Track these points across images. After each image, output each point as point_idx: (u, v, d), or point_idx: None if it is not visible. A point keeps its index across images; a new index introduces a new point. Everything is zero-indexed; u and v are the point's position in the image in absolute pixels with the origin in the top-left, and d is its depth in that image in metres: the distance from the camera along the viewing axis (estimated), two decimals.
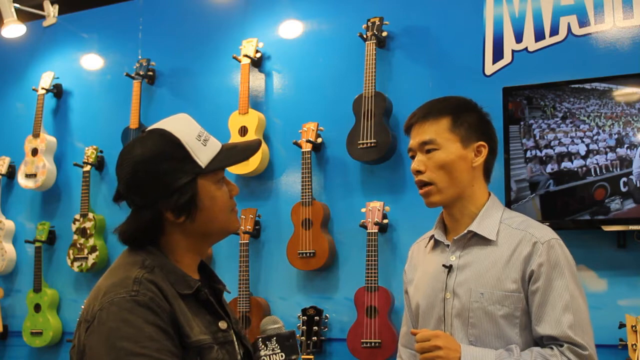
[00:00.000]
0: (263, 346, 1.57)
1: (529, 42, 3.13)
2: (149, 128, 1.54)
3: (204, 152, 1.50)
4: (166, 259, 1.50)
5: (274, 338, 1.58)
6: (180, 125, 1.51)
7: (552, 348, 1.74)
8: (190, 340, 1.43)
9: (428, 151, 1.87)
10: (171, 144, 1.48)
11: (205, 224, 1.52)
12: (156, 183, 1.46)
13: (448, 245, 1.91)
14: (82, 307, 1.49)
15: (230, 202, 1.57)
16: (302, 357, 3.15)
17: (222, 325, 1.52)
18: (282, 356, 1.57)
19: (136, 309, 1.37)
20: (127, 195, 1.50)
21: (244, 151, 1.60)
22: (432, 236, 1.98)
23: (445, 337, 1.78)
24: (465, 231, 1.87)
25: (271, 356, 1.57)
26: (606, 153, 2.79)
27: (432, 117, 1.89)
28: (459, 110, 1.91)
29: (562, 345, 1.73)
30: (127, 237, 1.51)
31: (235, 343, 1.56)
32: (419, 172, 1.88)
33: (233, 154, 1.57)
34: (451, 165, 1.85)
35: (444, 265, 1.88)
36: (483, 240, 1.86)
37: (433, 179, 1.86)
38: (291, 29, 3.74)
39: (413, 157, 1.92)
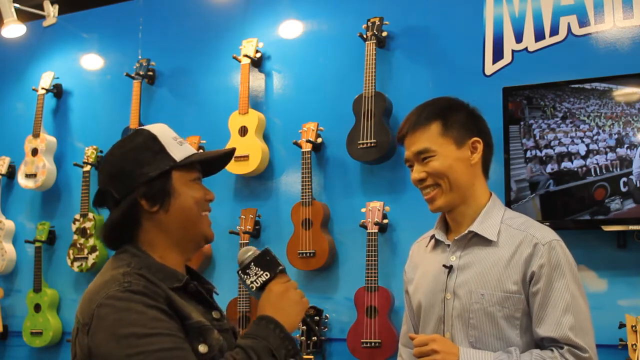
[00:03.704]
0: (245, 276, 1.56)
1: (529, 42, 3.13)
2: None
3: (178, 150, 1.57)
4: (151, 258, 1.52)
5: (252, 263, 1.56)
6: (158, 127, 1.60)
7: (552, 350, 1.74)
8: (192, 321, 1.45)
9: (424, 159, 1.86)
10: (147, 138, 1.56)
11: (178, 217, 1.54)
12: (132, 172, 1.52)
13: (449, 245, 1.91)
14: (76, 314, 1.48)
15: (204, 204, 1.60)
16: (303, 357, 3.15)
17: (216, 314, 1.56)
18: (267, 275, 1.55)
19: (133, 297, 1.39)
20: (107, 189, 1.55)
21: (217, 152, 1.65)
22: (433, 236, 1.98)
23: (442, 341, 1.78)
24: (466, 231, 1.87)
25: (257, 279, 1.55)
26: (606, 153, 2.79)
27: (421, 125, 1.87)
28: (447, 111, 1.89)
29: (562, 348, 1.73)
30: (106, 233, 1.56)
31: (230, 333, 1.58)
32: (421, 181, 1.87)
33: (207, 154, 1.64)
34: (450, 170, 1.84)
35: (444, 266, 1.88)
36: (484, 241, 1.85)
37: (437, 183, 1.86)
38: (291, 29, 3.74)
39: (411, 167, 1.91)
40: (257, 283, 1.55)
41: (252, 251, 1.60)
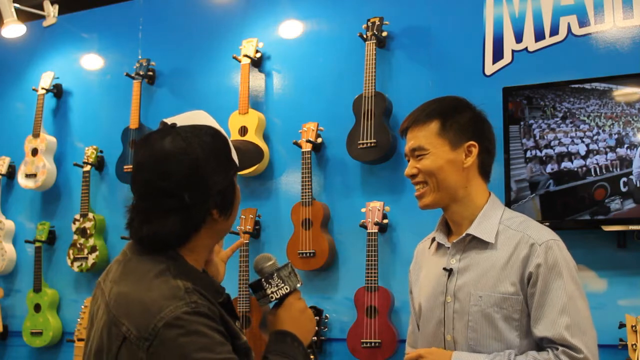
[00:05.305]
0: (267, 285, 1.57)
1: (529, 42, 3.13)
2: (194, 123, 1.49)
3: (234, 151, 1.52)
4: (187, 262, 1.46)
5: (275, 274, 1.57)
6: (216, 123, 1.52)
7: (547, 352, 1.73)
8: (241, 341, 1.45)
9: (418, 156, 1.88)
10: (223, 142, 1.49)
11: (231, 222, 1.53)
12: (207, 179, 1.44)
13: (449, 248, 1.91)
14: (117, 318, 1.40)
15: None
16: None
17: (237, 324, 1.55)
18: (287, 289, 1.57)
19: (200, 320, 1.36)
20: (176, 193, 1.41)
21: (250, 158, 1.63)
22: (434, 238, 1.98)
23: (429, 356, 1.79)
24: (464, 234, 1.87)
25: (277, 291, 1.56)
26: (606, 153, 2.79)
27: (421, 122, 1.88)
28: (449, 112, 1.88)
29: (557, 349, 1.72)
30: (162, 238, 1.43)
31: None
32: (413, 176, 1.89)
33: (245, 157, 1.58)
34: (439, 170, 1.85)
35: (444, 269, 1.88)
36: (482, 243, 1.85)
37: (426, 180, 1.87)
38: (291, 29, 3.74)
39: (409, 161, 1.93)
40: (277, 295, 1.57)
41: (272, 260, 1.60)
